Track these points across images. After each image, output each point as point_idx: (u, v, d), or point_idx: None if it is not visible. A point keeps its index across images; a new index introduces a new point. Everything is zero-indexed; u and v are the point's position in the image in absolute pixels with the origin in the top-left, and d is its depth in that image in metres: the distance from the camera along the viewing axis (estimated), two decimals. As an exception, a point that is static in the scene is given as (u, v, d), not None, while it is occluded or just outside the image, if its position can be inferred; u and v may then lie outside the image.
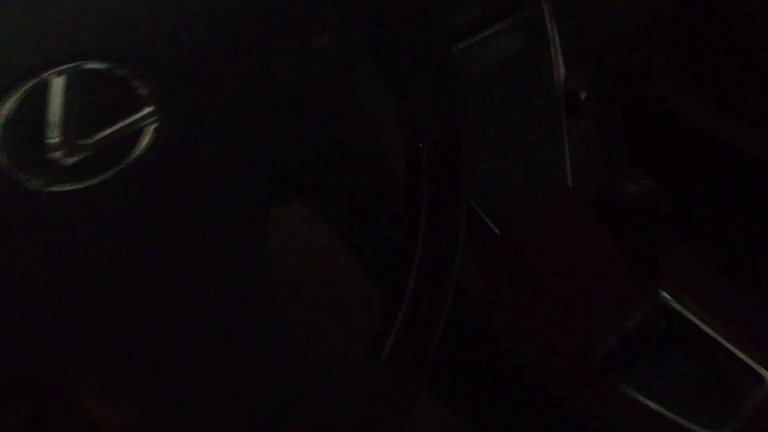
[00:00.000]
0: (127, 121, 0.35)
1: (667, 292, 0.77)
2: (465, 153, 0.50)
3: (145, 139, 0.36)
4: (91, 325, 0.36)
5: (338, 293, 0.78)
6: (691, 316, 0.75)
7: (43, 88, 0.34)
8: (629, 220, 0.69)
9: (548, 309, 0.75)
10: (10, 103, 0.33)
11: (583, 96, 0.81)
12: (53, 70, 0.34)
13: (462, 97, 0.57)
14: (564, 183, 0.81)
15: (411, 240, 0.46)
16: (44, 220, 0.34)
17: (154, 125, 0.36)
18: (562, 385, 0.71)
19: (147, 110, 0.36)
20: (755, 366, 0.73)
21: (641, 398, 0.71)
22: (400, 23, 0.47)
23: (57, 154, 0.34)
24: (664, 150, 1.48)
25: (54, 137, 0.34)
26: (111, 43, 0.35)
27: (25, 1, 0.34)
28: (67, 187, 0.35)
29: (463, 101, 0.73)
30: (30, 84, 0.34)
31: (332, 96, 0.48)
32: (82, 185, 0.35)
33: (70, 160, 0.35)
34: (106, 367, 0.36)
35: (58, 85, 0.34)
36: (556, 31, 0.81)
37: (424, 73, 0.48)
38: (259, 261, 0.39)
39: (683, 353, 0.74)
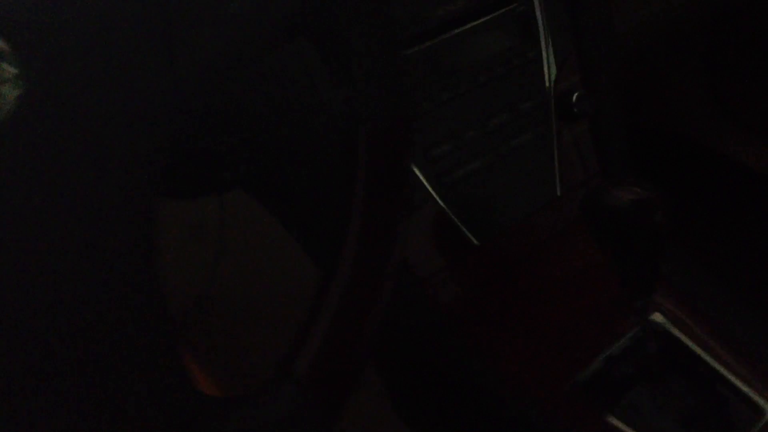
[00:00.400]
0: None
1: (661, 313, 0.70)
2: (411, 143, 0.44)
3: (5, 107, 0.31)
4: None
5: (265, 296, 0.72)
6: (686, 340, 0.68)
7: None
8: (620, 232, 0.62)
9: (528, 328, 0.68)
10: None
11: (575, 98, 0.75)
12: None
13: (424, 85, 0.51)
14: (552, 191, 0.75)
15: (339, 242, 0.40)
16: None
17: (17, 92, 0.31)
18: (541, 411, 0.65)
19: (9, 72, 0.31)
20: (756, 397, 0.66)
21: (628, 429, 0.64)
22: None
23: None
24: (665, 158, 1.42)
25: None
26: None
27: None
28: None
29: (438, 95, 0.68)
30: None
31: (256, 74, 0.42)
32: None
33: None
34: None
35: None
36: (548, 27, 0.74)
37: (366, 49, 0.42)
38: (145, 261, 0.33)
39: (676, 381, 0.67)
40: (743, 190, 1.33)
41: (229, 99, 0.41)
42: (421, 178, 0.68)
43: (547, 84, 0.75)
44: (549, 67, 0.75)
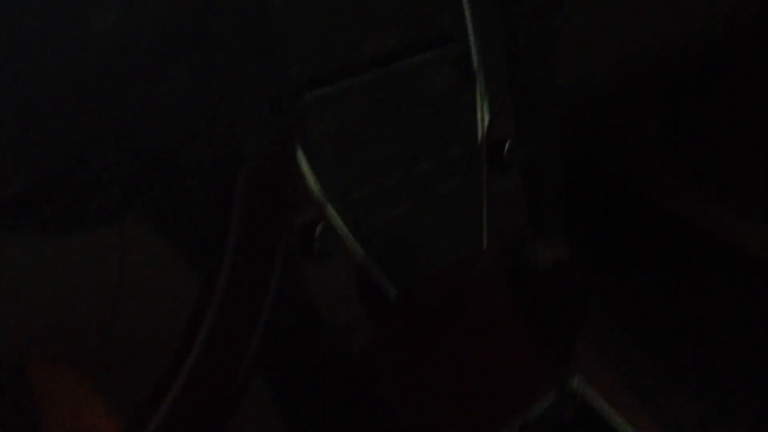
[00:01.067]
0: None
1: (581, 378, 0.67)
2: (293, 187, 0.40)
3: None
4: None
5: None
6: (605, 409, 0.65)
7: None
8: (541, 291, 0.59)
9: (442, 385, 0.65)
10: None
11: (507, 146, 0.72)
12: None
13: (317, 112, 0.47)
14: (478, 242, 0.72)
15: (205, 298, 0.36)
16: None
17: None
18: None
19: None
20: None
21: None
22: (224, 11, 0.37)
23: None
24: (610, 207, 1.41)
25: None
26: None
27: None
28: None
29: (362, 136, 0.64)
30: None
31: (128, 97, 0.38)
32: None
33: None
34: None
35: None
36: (484, 70, 0.71)
37: (250, 75, 0.38)
38: None
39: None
40: (688, 249, 1.32)
41: (93, 125, 0.37)
42: (339, 221, 0.64)
43: (479, 130, 0.72)
44: (482, 113, 0.72)
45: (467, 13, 0.69)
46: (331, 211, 0.63)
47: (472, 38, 0.70)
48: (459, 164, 0.70)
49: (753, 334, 1.10)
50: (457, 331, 0.68)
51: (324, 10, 0.62)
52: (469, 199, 0.71)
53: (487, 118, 0.72)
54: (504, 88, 0.73)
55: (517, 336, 0.67)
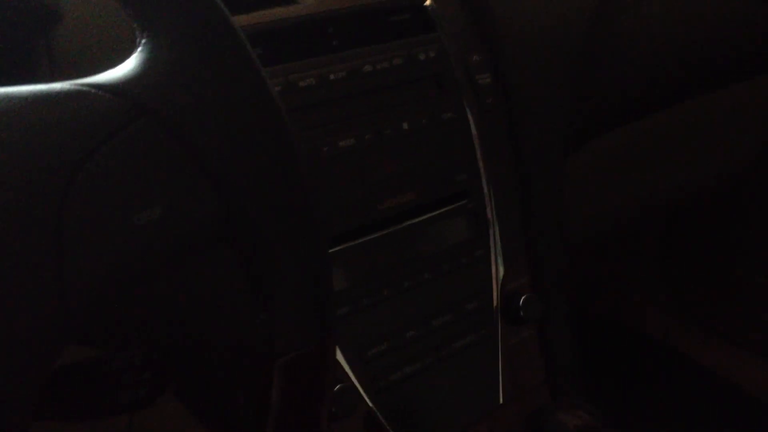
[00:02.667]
0: None
1: None
2: (331, 376, 0.39)
3: None
4: None
5: None
6: None
7: None
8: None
9: None
10: None
11: (522, 301, 0.72)
12: None
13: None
14: (494, 398, 0.70)
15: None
16: None
17: None
18: None
19: None
20: None
21: None
22: (263, 203, 0.38)
23: None
24: (618, 351, 1.39)
25: None
26: None
27: None
28: None
29: (379, 291, 0.64)
30: None
31: (165, 287, 0.38)
32: None
33: None
34: None
35: None
36: (498, 226, 0.72)
37: (290, 270, 0.38)
38: None
39: None
40: (696, 389, 1.30)
41: (132, 314, 0.37)
42: (354, 380, 0.63)
43: (493, 284, 0.71)
44: (497, 267, 0.72)
45: (482, 171, 0.71)
46: (348, 370, 0.63)
47: (486, 194, 0.71)
48: (475, 319, 0.70)
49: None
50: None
51: (342, 169, 0.63)
52: (485, 354, 0.70)
53: (501, 271, 0.72)
54: (518, 242, 0.74)
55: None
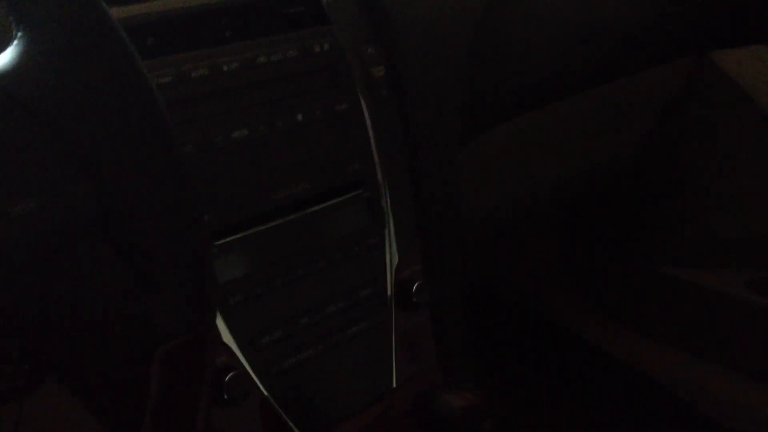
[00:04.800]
0: None
1: None
2: (211, 363, 0.40)
3: None
4: None
5: None
6: None
7: None
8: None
9: None
10: None
11: (415, 287, 0.74)
12: None
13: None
14: (387, 382, 0.73)
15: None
16: None
17: None
18: None
19: None
20: None
21: None
22: (140, 194, 0.38)
23: None
24: (517, 334, 1.44)
25: None
26: None
27: None
28: None
29: (272, 280, 0.65)
30: None
31: (43, 277, 0.38)
32: None
33: None
34: None
35: None
36: (393, 215, 0.74)
37: (169, 259, 0.39)
38: None
39: None
40: (593, 372, 1.36)
41: (8, 304, 0.37)
42: (247, 367, 0.64)
43: (387, 272, 0.73)
44: (391, 255, 0.74)
45: (376, 161, 0.72)
46: (241, 357, 0.63)
47: (381, 184, 0.73)
48: (368, 305, 0.72)
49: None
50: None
51: (236, 160, 0.64)
52: (379, 339, 0.72)
53: (396, 260, 0.74)
54: (412, 231, 0.76)
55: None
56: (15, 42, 0.37)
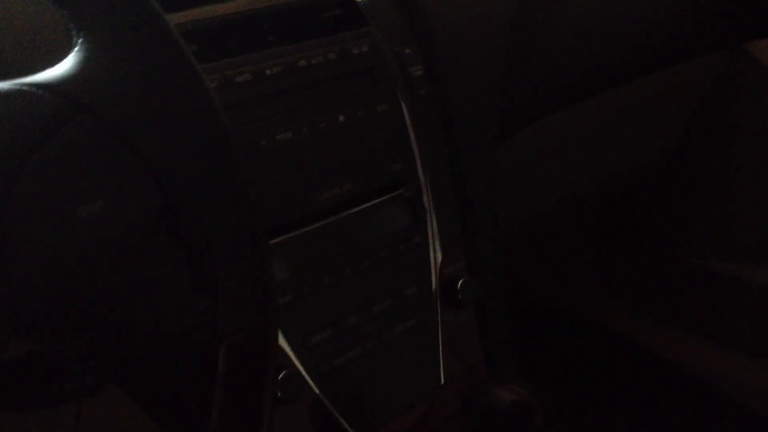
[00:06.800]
0: None
1: None
2: (274, 360, 0.41)
3: None
4: None
5: None
6: None
7: None
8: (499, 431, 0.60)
9: None
10: None
11: (460, 284, 0.74)
12: None
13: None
14: (435, 379, 0.73)
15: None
16: None
17: None
18: None
19: None
20: None
21: None
22: (202, 193, 0.39)
23: None
24: (554, 334, 1.44)
25: None
26: None
27: None
28: None
29: (320, 280, 0.66)
30: None
31: (111, 276, 0.40)
32: None
33: None
34: None
35: None
36: (435, 213, 0.75)
37: (230, 256, 0.40)
38: None
39: None
40: (630, 368, 1.35)
41: (78, 304, 0.38)
42: (299, 366, 0.65)
43: (432, 269, 0.74)
44: (435, 253, 0.74)
45: (417, 160, 0.73)
46: (293, 356, 0.64)
47: (423, 182, 0.74)
48: (414, 303, 0.72)
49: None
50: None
51: (281, 163, 0.65)
52: (425, 337, 0.73)
53: (439, 257, 0.74)
54: (455, 228, 0.76)
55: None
56: (77, 48, 0.38)
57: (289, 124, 0.65)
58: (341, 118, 0.69)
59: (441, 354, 0.73)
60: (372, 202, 0.71)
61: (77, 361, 0.41)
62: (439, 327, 0.74)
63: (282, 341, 0.63)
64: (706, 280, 1.32)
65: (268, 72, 0.65)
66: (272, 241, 0.64)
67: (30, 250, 0.34)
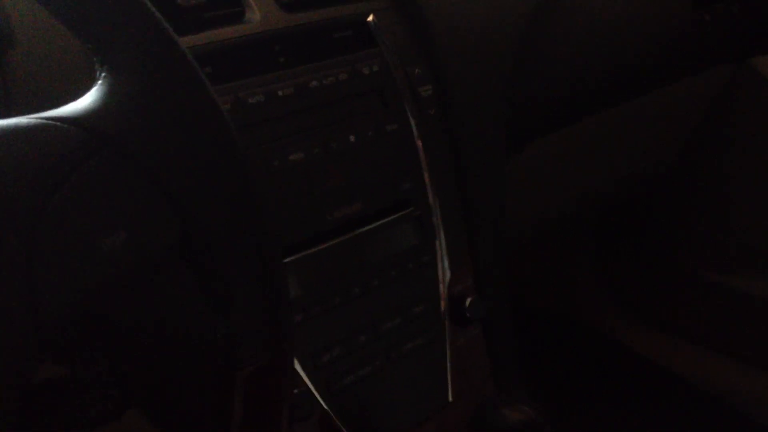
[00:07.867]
0: None
1: None
2: (290, 386, 0.42)
3: None
4: None
5: None
6: None
7: None
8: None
9: None
10: None
11: (468, 302, 0.75)
12: None
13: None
14: (443, 396, 0.74)
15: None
16: None
17: None
18: None
19: None
20: None
21: None
22: (220, 222, 0.40)
23: None
24: (557, 342, 1.44)
25: None
26: None
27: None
28: None
29: (330, 299, 0.66)
30: None
31: (132, 303, 0.40)
32: None
33: None
34: None
35: None
36: (443, 232, 0.75)
37: (248, 285, 0.41)
38: None
39: None
40: (630, 375, 1.35)
41: (100, 330, 0.39)
42: (309, 385, 0.65)
43: (440, 288, 0.75)
44: (443, 271, 0.75)
45: (426, 180, 0.74)
46: (304, 375, 0.65)
47: (432, 202, 0.74)
48: (423, 322, 0.73)
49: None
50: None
51: (293, 183, 0.65)
52: (433, 355, 0.73)
53: (448, 276, 0.75)
54: (463, 247, 0.77)
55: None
56: (100, 82, 0.39)
57: (301, 145, 0.66)
58: (352, 138, 0.69)
59: (449, 372, 0.74)
60: (381, 221, 0.72)
61: (100, 387, 0.42)
62: (447, 345, 0.74)
63: (294, 361, 0.64)
64: (706, 290, 1.32)
65: (280, 93, 0.65)
66: (284, 260, 0.65)
67: (56, 282, 0.35)
